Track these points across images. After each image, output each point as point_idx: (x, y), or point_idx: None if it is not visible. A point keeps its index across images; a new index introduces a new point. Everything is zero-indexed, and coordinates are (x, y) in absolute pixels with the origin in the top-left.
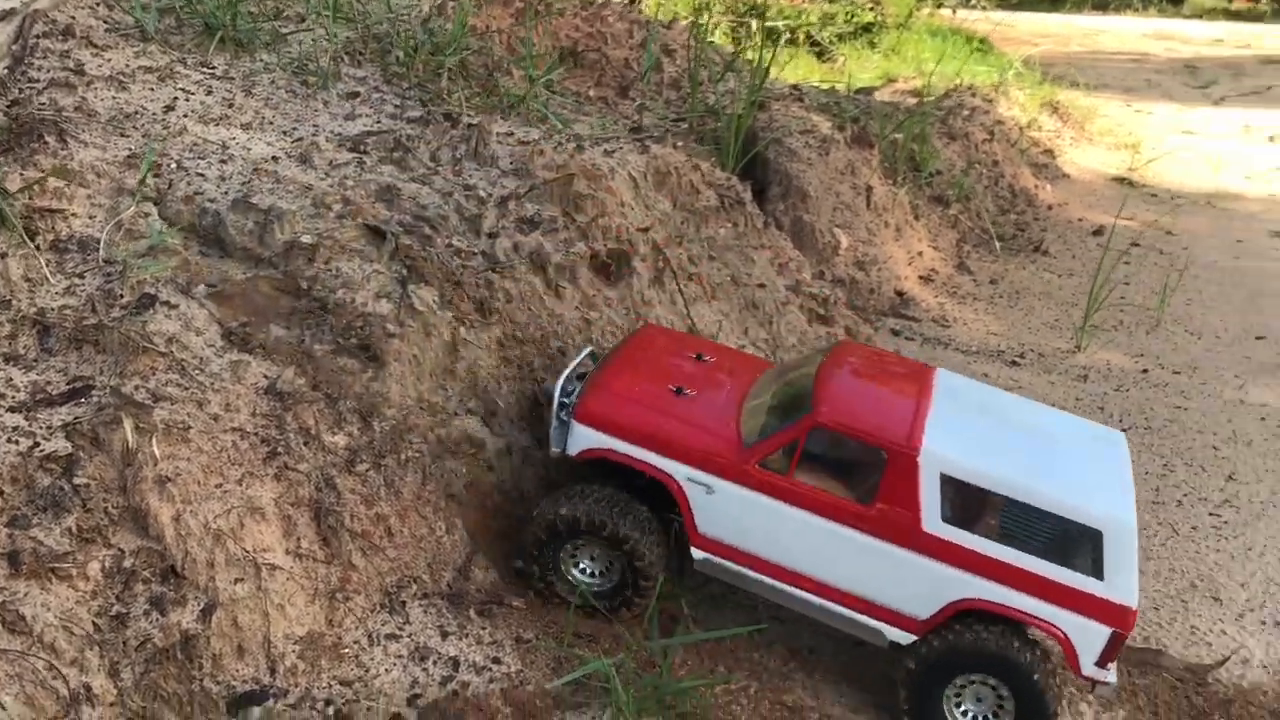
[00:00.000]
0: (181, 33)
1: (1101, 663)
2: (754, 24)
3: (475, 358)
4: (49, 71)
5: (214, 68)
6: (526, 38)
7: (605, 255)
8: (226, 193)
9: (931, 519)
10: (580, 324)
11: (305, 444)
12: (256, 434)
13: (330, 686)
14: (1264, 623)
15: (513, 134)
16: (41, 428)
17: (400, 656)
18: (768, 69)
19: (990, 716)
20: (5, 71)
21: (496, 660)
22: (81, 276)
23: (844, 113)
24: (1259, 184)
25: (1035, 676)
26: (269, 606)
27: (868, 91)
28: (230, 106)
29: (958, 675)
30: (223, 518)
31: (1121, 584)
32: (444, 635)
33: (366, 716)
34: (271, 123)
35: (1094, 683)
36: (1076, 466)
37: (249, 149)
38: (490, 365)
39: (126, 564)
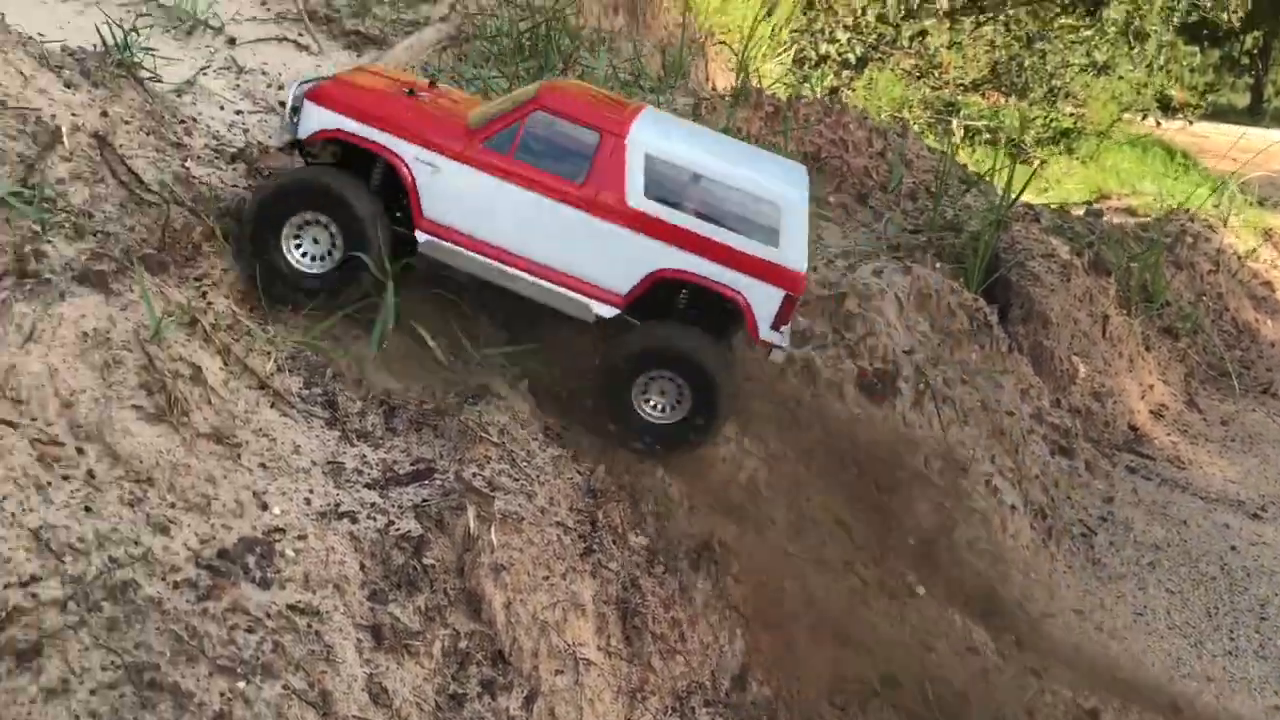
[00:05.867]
0: None
1: (775, 325)
2: (954, 122)
3: (755, 468)
4: None
5: None
6: (776, 143)
7: (872, 375)
8: None
9: (635, 194)
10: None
11: (614, 542)
12: (575, 529)
13: None
14: None
15: None
16: (394, 506)
17: None
18: (1019, 192)
19: (672, 407)
20: None
21: None
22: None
23: (1080, 237)
24: None
25: (713, 375)
26: (582, 701)
27: (1097, 214)
28: None
29: (643, 372)
30: (549, 609)
31: (793, 252)
32: None
33: None
34: None
35: (770, 346)
36: (761, 164)
37: None
38: (767, 477)
39: (462, 645)
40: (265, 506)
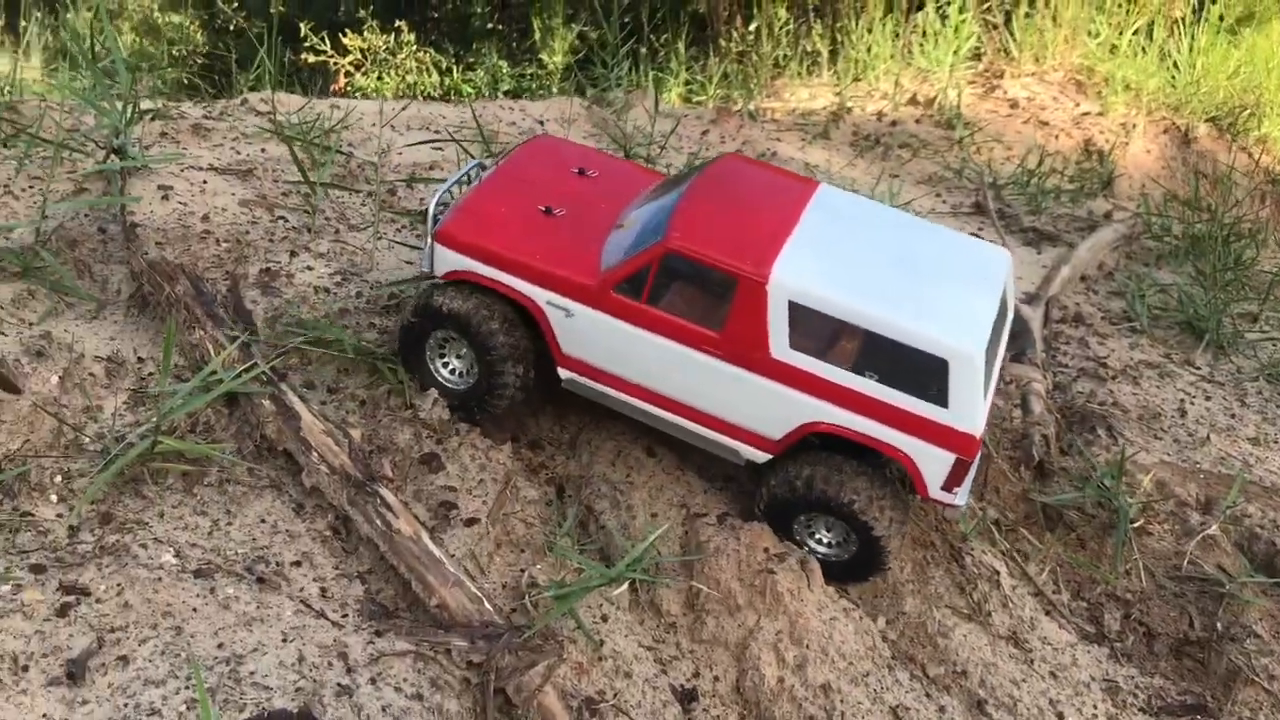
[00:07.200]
0: (1160, 326)
1: (948, 487)
2: None
3: None
4: (1074, 359)
5: (1199, 369)
6: None
7: None
8: (1275, 521)
9: (779, 345)
10: None
11: None
12: None
13: None
14: None
15: None
16: None
17: None
18: None
19: (840, 543)
20: (1043, 355)
21: None
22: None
23: None
24: None
25: (866, 520)
26: None
27: None
28: (1232, 417)
29: (802, 513)
30: None
31: (965, 412)
32: None
33: None
34: (1274, 441)
35: (943, 505)
36: (939, 292)
37: (1268, 466)
38: None
39: None
40: (1061, 716)
